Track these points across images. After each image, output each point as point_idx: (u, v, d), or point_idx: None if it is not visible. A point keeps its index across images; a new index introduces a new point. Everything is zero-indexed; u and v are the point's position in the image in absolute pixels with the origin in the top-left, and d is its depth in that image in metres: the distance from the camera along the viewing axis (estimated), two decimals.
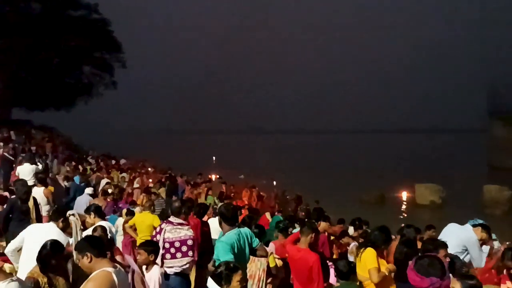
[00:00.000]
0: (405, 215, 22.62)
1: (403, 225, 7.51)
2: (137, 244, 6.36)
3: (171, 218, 5.46)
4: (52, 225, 5.09)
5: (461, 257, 5.30)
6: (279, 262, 5.66)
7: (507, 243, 9.22)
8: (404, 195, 26.14)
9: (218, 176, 22.37)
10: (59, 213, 5.29)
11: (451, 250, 4.93)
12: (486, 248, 5.52)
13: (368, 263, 4.47)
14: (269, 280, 5.62)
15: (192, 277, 5.91)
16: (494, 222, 20.44)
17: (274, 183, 26.03)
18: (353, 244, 7.88)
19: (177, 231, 5.28)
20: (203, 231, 6.64)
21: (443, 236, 5.52)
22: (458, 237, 5.41)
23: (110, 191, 11.80)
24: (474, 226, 5.55)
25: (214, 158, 53.77)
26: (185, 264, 5.23)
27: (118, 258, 4.92)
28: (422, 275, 2.54)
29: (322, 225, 8.48)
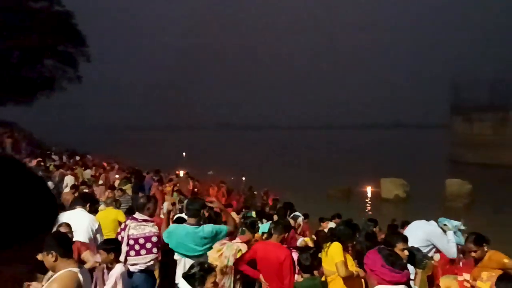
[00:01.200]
0: (371, 209, 22.99)
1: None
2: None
3: (136, 215, 5.33)
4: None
5: (426, 251, 5.40)
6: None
7: (466, 235, 9.50)
8: (370, 189, 26.55)
9: (185, 172, 22.14)
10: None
11: (416, 244, 5.02)
12: (451, 235, 5.62)
13: (335, 257, 4.48)
14: (238, 276, 5.58)
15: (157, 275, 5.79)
16: (456, 215, 21.12)
17: (243, 178, 25.97)
18: (301, 239, 7.91)
19: (141, 228, 5.16)
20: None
21: (408, 231, 5.61)
22: (423, 232, 5.52)
23: (86, 191, 11.48)
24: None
25: (184, 154, 53.32)
26: (149, 261, 5.11)
27: (86, 253, 4.85)
28: (399, 269, 2.52)
29: (290, 221, 8.51)
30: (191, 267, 3.44)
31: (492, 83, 46.06)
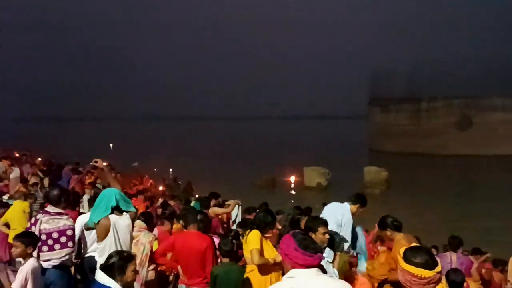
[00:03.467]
0: (295, 197, 23.56)
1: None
2: (11, 236, 5.76)
3: (48, 208, 5.00)
4: None
5: (343, 233, 5.58)
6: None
7: None
8: (293, 178, 27.20)
9: (107, 164, 21.34)
10: None
11: (331, 227, 5.16)
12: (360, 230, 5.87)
13: (250, 244, 4.48)
14: (151, 267, 5.44)
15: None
16: (373, 201, 22.21)
17: (170, 170, 25.58)
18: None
19: (55, 221, 4.84)
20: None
21: (324, 214, 5.76)
22: (337, 214, 5.69)
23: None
24: (353, 202, 5.85)
25: (111, 145, 51.60)
26: (64, 256, 4.82)
27: None
28: (312, 253, 2.56)
29: (214, 209, 8.45)
30: (109, 256, 3.25)
31: (407, 76, 48.72)
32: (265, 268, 4.56)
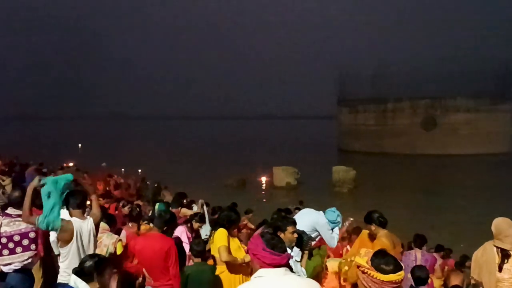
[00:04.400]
0: (265, 196, 23.63)
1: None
2: None
3: (9, 210, 4.83)
4: None
5: (313, 236, 5.66)
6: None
7: (351, 218, 10.13)
8: (264, 178, 27.28)
9: (73, 164, 20.92)
10: None
11: (303, 229, 5.23)
12: (337, 230, 5.93)
13: (217, 242, 4.49)
14: (115, 270, 5.34)
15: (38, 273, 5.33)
16: (342, 199, 22.58)
17: (139, 171, 25.23)
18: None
19: (16, 224, 4.68)
20: None
21: (298, 216, 5.84)
22: (309, 219, 5.76)
23: None
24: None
25: (80, 145, 50.56)
26: (26, 259, 4.67)
27: None
28: (280, 252, 2.57)
29: (183, 211, 8.39)
30: (83, 261, 3.15)
31: (375, 76, 49.50)
32: (234, 268, 4.56)
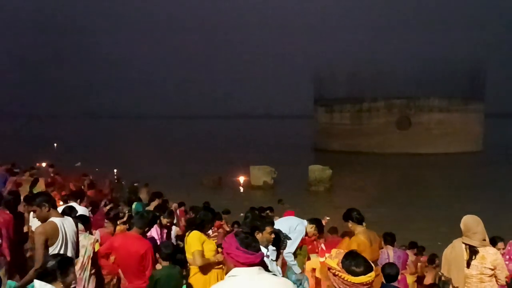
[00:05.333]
0: (242, 196, 23.63)
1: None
2: None
3: None
4: None
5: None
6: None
7: (327, 218, 10.27)
8: (240, 177, 27.27)
9: (47, 164, 20.43)
10: None
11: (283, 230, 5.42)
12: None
13: (192, 246, 4.47)
14: (93, 271, 5.30)
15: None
16: (318, 198, 22.77)
17: (115, 171, 24.90)
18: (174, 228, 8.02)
19: None
20: (17, 225, 5.78)
21: (280, 221, 6.10)
22: (289, 223, 5.98)
23: None
24: (310, 222, 6.29)
25: (55, 145, 49.58)
26: None
27: None
28: (253, 251, 2.59)
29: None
30: (45, 262, 3.10)
31: (351, 76, 49.99)
32: (208, 268, 4.56)
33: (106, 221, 7.25)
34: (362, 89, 48.26)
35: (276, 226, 5.08)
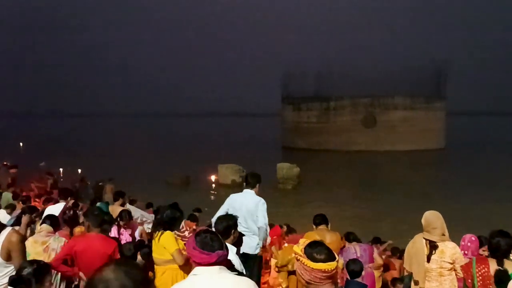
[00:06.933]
0: (209, 194, 23.56)
1: None
2: None
3: None
4: None
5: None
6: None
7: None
8: (208, 176, 27.16)
9: (4, 163, 19.74)
10: None
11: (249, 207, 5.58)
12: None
13: (170, 247, 4.41)
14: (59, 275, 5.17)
15: None
16: (286, 195, 22.93)
17: (79, 170, 24.39)
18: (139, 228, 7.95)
19: None
20: None
21: (241, 196, 6.06)
22: (254, 200, 5.96)
23: None
24: (252, 186, 6.10)
25: (21, 144, 48.07)
26: None
27: None
28: (209, 251, 2.60)
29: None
30: (21, 267, 3.00)
31: (318, 75, 50.49)
32: (179, 268, 4.52)
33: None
34: (329, 88, 48.82)
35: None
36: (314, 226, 6.28)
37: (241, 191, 6.18)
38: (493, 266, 4.05)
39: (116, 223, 6.96)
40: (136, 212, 9.43)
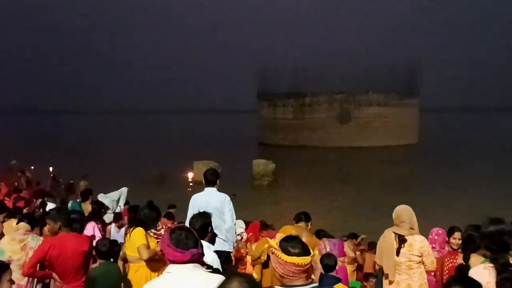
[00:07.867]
0: (185, 192, 23.42)
1: None
2: None
3: None
4: None
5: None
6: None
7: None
8: (184, 173, 27.01)
9: None
10: None
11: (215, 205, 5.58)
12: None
13: (137, 242, 4.43)
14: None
15: None
16: (262, 192, 23.03)
17: (51, 169, 23.92)
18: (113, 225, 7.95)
19: None
20: None
21: (205, 195, 5.96)
22: (219, 197, 5.91)
23: None
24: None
25: None
26: None
27: None
28: (183, 249, 2.59)
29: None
30: None
31: (293, 72, 50.71)
32: (152, 265, 4.52)
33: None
34: (304, 84, 49.11)
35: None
36: (295, 222, 6.30)
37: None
38: (460, 260, 4.19)
39: (93, 219, 6.90)
40: (105, 199, 9.38)
